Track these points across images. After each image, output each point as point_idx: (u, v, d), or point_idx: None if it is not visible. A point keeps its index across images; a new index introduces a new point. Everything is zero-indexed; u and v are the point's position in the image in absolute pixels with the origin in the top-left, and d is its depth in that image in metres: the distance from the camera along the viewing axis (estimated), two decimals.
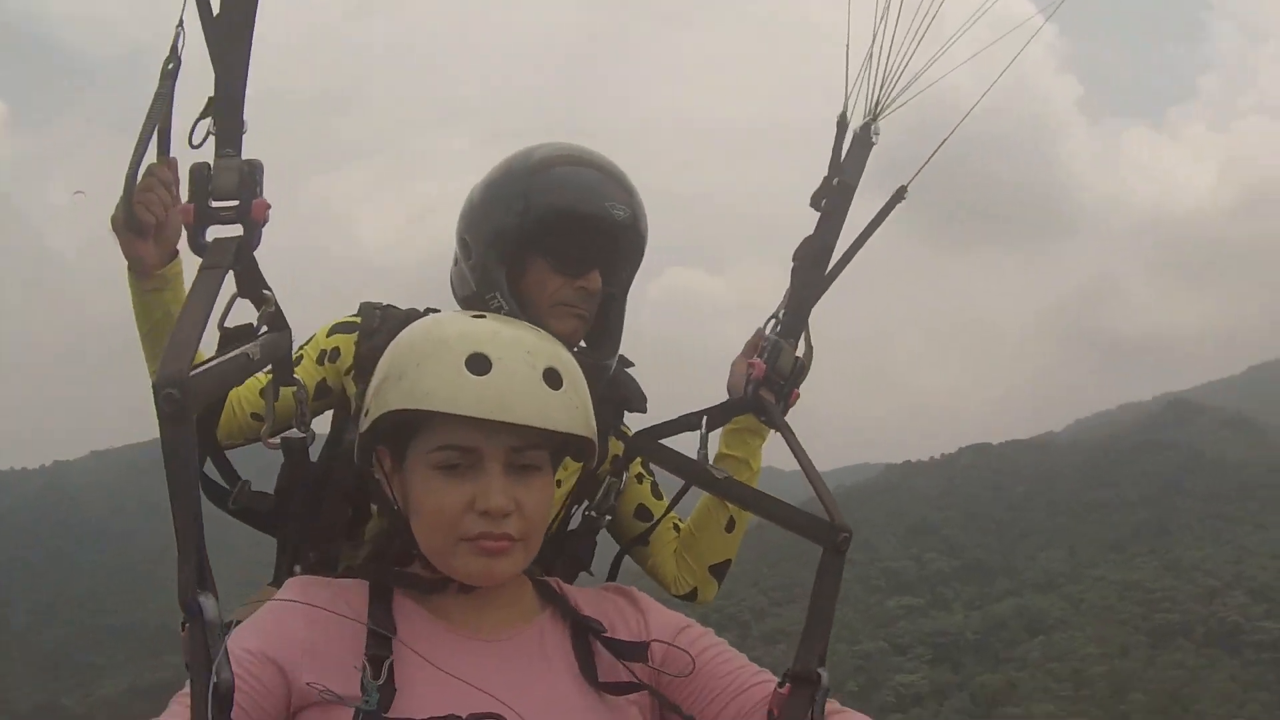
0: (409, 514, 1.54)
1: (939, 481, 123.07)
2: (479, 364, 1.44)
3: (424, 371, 1.47)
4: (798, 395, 2.17)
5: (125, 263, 1.96)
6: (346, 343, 2.14)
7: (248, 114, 1.47)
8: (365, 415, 1.56)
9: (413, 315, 2.07)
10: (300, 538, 2.00)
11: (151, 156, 1.87)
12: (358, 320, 2.15)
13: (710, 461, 2.10)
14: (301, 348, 2.15)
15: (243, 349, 1.43)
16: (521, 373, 1.46)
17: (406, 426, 1.51)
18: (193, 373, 1.15)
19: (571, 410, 1.50)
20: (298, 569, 2.00)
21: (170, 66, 1.72)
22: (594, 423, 1.57)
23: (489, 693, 1.44)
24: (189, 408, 1.12)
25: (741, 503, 2.08)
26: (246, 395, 2.07)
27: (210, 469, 1.93)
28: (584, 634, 1.62)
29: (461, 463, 1.48)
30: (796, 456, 1.89)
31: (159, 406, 1.12)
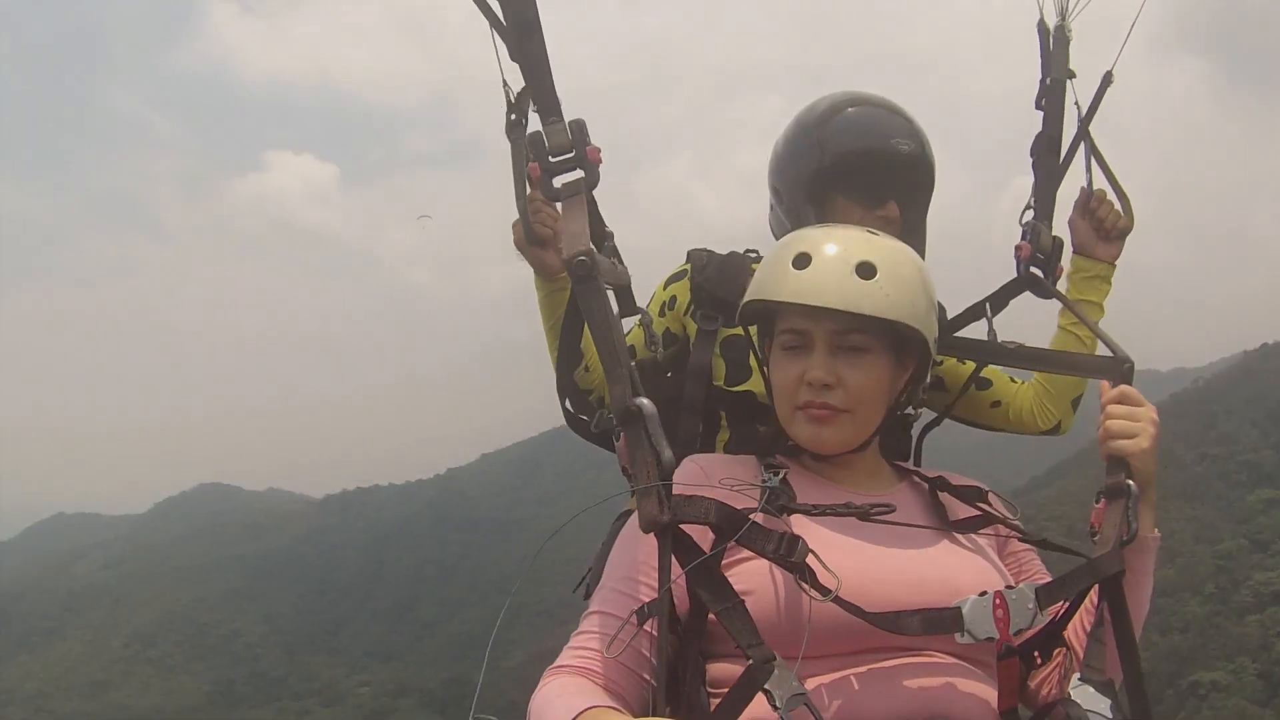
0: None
1: None
2: (801, 260, 1.69)
3: (764, 270, 1.77)
4: (1062, 270, 2.35)
5: (530, 274, 2.23)
6: (681, 289, 2.38)
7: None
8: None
9: (734, 255, 2.39)
10: None
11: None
12: (687, 267, 2.41)
13: (1059, 319, 2.42)
14: (645, 307, 2.33)
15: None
16: (835, 266, 1.66)
17: (766, 317, 1.83)
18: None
19: (881, 298, 1.65)
20: None
21: (513, 117, 1.83)
22: (918, 312, 1.71)
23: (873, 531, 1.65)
24: (594, 267, 1.49)
25: (1033, 363, 2.31)
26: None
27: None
28: (936, 493, 1.87)
29: (798, 344, 1.74)
30: (1075, 313, 2.28)
31: (572, 271, 1.49)
